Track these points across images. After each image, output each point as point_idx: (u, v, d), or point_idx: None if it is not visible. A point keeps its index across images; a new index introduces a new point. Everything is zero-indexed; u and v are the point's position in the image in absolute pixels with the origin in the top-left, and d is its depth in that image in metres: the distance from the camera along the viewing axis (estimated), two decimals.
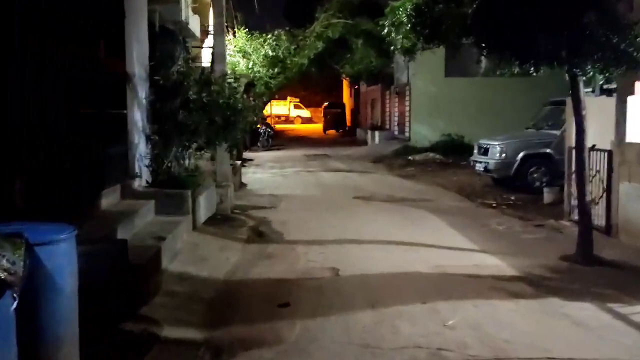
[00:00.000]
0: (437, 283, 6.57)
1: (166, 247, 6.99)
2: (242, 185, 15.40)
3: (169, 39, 10.87)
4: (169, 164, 9.51)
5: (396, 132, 28.80)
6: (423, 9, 7.56)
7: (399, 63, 26.43)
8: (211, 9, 11.61)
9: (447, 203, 12.77)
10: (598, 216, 9.67)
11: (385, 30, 8.22)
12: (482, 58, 23.96)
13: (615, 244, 8.44)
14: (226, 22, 21.33)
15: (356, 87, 41.83)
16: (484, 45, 7.62)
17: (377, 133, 29.87)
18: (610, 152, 9.35)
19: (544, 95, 22.67)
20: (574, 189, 10.63)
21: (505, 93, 23.37)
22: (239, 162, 15.88)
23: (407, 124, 26.05)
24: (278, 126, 45.77)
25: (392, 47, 8.35)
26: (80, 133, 7.23)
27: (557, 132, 14.34)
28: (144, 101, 9.61)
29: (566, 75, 8.64)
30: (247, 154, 23.86)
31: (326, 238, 8.95)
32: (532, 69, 7.94)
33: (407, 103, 25.90)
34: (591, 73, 7.57)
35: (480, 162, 15.07)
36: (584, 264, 7.53)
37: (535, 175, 14.33)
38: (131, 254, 6.15)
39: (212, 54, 11.23)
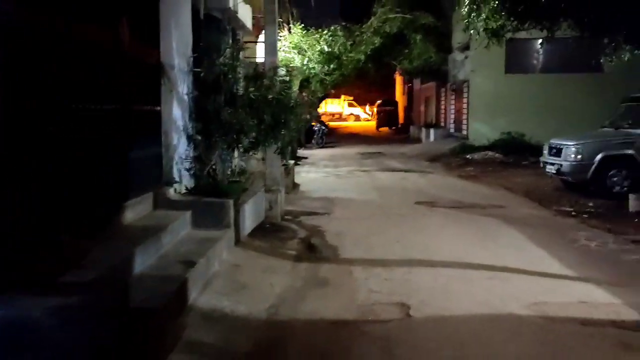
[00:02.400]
0: (542, 336, 4.65)
1: (196, 275, 5.30)
2: (295, 186, 13.71)
3: (215, 28, 9.19)
4: (213, 168, 7.85)
5: (452, 130, 26.66)
6: None
7: (455, 60, 24.36)
8: None
9: (520, 210, 10.75)
10: None
11: (466, 10, 6.28)
12: (539, 52, 21.67)
13: None
14: (281, 18, 19.78)
15: (409, 84, 39.73)
16: (592, 25, 5.68)
17: (432, 131, 27.79)
18: None
19: (611, 93, 20.38)
20: None
21: (569, 90, 21.23)
22: (292, 162, 14.23)
23: (464, 121, 23.91)
24: (332, 124, 44.02)
25: (471, 31, 6.41)
26: (96, 133, 5.62)
27: None
28: (185, 97, 7.97)
29: None
30: (301, 152, 22.27)
31: (389, 257, 7.14)
32: None
33: (464, 100, 23.75)
34: None
35: (552, 164, 12.93)
36: None
37: (615, 179, 12.14)
38: (145, 291, 4.51)
39: (264, 44, 9.50)
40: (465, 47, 22.69)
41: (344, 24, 20.73)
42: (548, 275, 6.38)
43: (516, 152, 19.97)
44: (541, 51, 21.93)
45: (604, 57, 6.46)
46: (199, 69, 7.83)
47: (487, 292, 5.71)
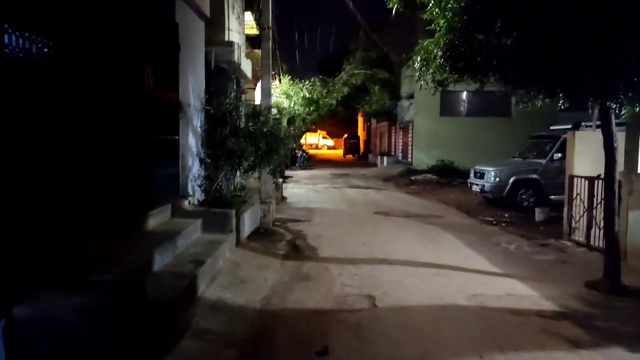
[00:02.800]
0: (482, 323, 4.33)
1: (205, 272, 4.88)
2: (283, 198, 13.30)
3: (222, 76, 8.83)
4: (219, 185, 7.43)
5: (400, 158, 26.47)
6: (457, 44, 5.44)
7: (403, 105, 24.26)
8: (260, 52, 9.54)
9: (454, 219, 10.49)
10: (600, 240, 7.44)
11: (417, 65, 6.02)
12: (464, 101, 21.76)
13: (628, 269, 6.12)
14: (274, 71, 19.52)
15: (368, 123, 39.66)
16: (514, 80, 5.46)
17: (385, 158, 27.56)
18: (619, 182, 7.06)
19: (516, 132, 20.51)
20: (574, 212, 8.38)
21: (485, 129, 21.32)
22: (281, 180, 13.83)
23: (409, 151, 23.74)
24: (311, 151, 43.65)
25: (420, 82, 6.14)
26: (126, 158, 5.20)
27: (543, 161, 12.07)
28: (198, 129, 7.57)
29: (590, 108, 6.50)
30: (288, 172, 21.86)
31: (357, 256, 6.78)
32: (561, 102, 5.78)
33: (410, 135, 23.61)
34: (623, 108, 5.38)
35: (477, 184, 12.76)
36: (614, 294, 5.30)
37: (524, 196, 12.00)
38: (163, 286, 4.09)
39: (260, 89, 9.15)
40: (410, 96, 22.64)
41: (321, 76, 20.52)
42: (480, 272, 6.08)
43: (448, 175, 19.86)
44: (466, 100, 22.16)
45: (521, 103, 6.19)
46: (209, 107, 7.46)
47: (435, 285, 5.38)
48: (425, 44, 6.14)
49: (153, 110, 5.64)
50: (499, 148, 19.67)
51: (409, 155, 23.69)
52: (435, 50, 5.71)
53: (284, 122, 16.90)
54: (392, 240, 7.90)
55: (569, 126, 12.88)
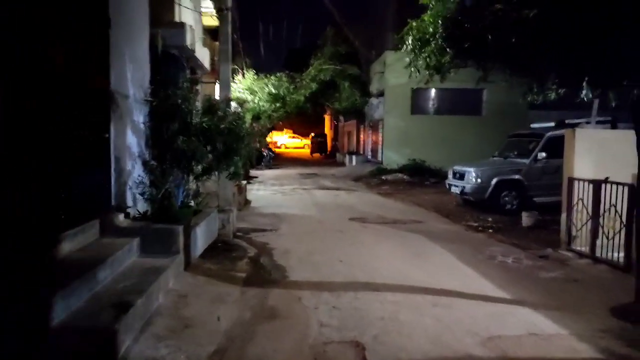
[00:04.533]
0: None
1: (131, 321, 3.47)
2: (247, 202, 11.89)
3: (173, 64, 7.38)
4: (168, 192, 6.00)
5: (370, 157, 25.40)
6: (459, 19, 4.24)
7: (372, 103, 23.19)
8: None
9: (436, 225, 9.36)
10: (611, 251, 6.44)
11: (409, 47, 4.77)
12: (435, 99, 20.90)
13: None
14: (237, 65, 18.03)
15: (336, 122, 38.51)
16: (533, 66, 4.31)
17: (354, 157, 26.40)
18: (632, 186, 6.05)
19: (488, 131, 19.79)
20: (574, 219, 7.37)
21: (457, 128, 20.53)
22: (244, 182, 12.40)
23: (379, 150, 22.67)
24: (277, 150, 42.16)
25: (410, 69, 4.90)
26: (19, 160, 3.74)
27: (526, 161, 11.11)
28: (141, 125, 6.13)
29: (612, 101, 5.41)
30: (253, 172, 20.40)
31: (335, 279, 5.49)
32: (584, 92, 4.66)
33: (380, 134, 22.55)
34: None
35: (457, 186, 11.72)
36: None
37: (507, 198, 11.03)
38: (59, 354, 2.69)
39: (218, 80, 7.73)
40: (380, 94, 21.58)
41: (287, 71, 19.16)
42: (486, 298, 4.90)
43: (419, 174, 18.92)
44: (437, 98, 21.33)
45: (530, 95, 5.05)
46: (150, 99, 6.01)
47: (437, 322, 4.16)
48: (418, 21, 4.92)
49: (64, 99, 4.19)
50: (471, 147, 18.90)
51: (379, 154, 22.64)
52: (431, 28, 4.50)
53: (248, 118, 15.51)
54: (373, 255, 6.66)
55: (552, 124, 12.05)
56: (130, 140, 5.93)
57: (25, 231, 3.82)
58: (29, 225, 3.89)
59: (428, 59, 4.70)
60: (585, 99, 4.62)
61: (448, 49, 4.39)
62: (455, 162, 13.01)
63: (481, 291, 5.13)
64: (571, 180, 7.27)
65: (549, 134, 11.14)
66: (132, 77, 5.94)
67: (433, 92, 21.39)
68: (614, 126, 10.26)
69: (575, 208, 7.16)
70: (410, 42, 4.79)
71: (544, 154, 10.92)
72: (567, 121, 11.28)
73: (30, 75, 3.80)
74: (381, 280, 5.44)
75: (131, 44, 5.93)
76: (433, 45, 4.52)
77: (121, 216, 5.36)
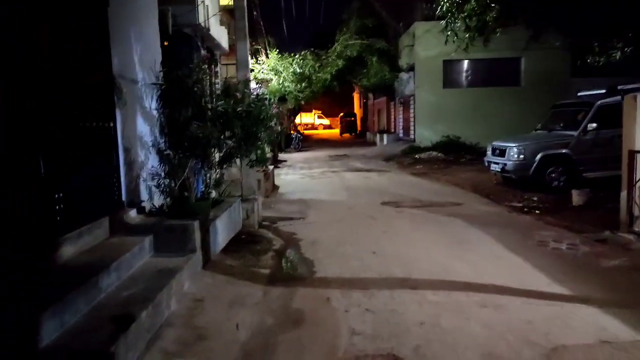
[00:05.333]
0: None
1: (133, 337, 3.04)
2: (275, 188, 11.46)
3: (186, 45, 6.88)
4: (188, 183, 5.56)
5: (401, 135, 24.53)
6: None
7: (402, 78, 22.24)
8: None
9: (476, 207, 8.66)
10: None
11: (446, 5, 4.07)
12: (468, 70, 19.75)
13: None
14: (260, 45, 17.45)
15: (365, 100, 37.52)
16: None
17: (385, 136, 25.57)
18: None
19: (526, 102, 18.62)
20: (636, 198, 6.56)
21: (493, 100, 19.45)
22: (272, 167, 11.95)
23: (411, 127, 21.79)
24: (306, 132, 41.61)
25: (447, 33, 4.21)
26: (21, 156, 3.33)
27: (574, 133, 10.15)
28: (154, 112, 5.67)
29: None
30: (281, 155, 19.98)
31: (368, 275, 4.95)
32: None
33: (411, 110, 21.64)
34: None
35: (497, 163, 10.88)
36: None
37: (553, 175, 10.16)
38: None
39: (236, 59, 7.19)
40: (411, 68, 20.61)
41: (312, 49, 18.43)
42: (542, 295, 4.27)
43: (454, 152, 18.07)
44: (471, 70, 20.21)
45: (592, 57, 4.28)
46: (163, 83, 5.53)
47: (487, 330, 3.57)
48: None
49: (62, 89, 3.74)
50: (510, 120, 17.84)
51: (411, 132, 21.78)
52: None
53: (274, 99, 14.98)
54: (409, 245, 6.08)
55: (602, 91, 10.97)
56: (141, 128, 5.50)
57: (24, 235, 3.44)
58: (29, 228, 3.51)
59: (468, 20, 4.02)
60: None
61: (493, 4, 3.69)
62: (493, 137, 12.15)
63: (535, 286, 4.49)
64: (632, 153, 6.42)
65: (600, 102, 10.12)
66: (140, 60, 5.48)
67: (466, 63, 20.29)
68: None
69: (638, 185, 6.34)
70: (447, 0, 4.10)
71: (594, 125, 9.95)
72: (619, 87, 10.21)
73: (24, 68, 3.37)
74: (419, 275, 4.86)
75: (137, 24, 5.45)
76: (474, 1, 3.83)
77: (133, 212, 4.97)
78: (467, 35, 4.21)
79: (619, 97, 9.84)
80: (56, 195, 3.69)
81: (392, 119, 27.15)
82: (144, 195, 5.45)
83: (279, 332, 3.64)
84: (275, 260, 5.57)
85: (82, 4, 4.15)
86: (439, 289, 4.42)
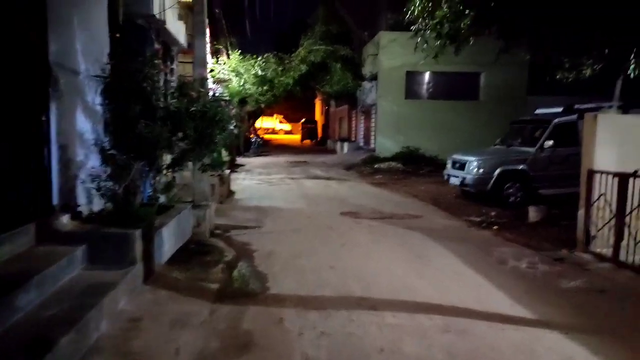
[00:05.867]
0: None
1: None
2: (231, 194, 10.99)
3: (140, 37, 6.39)
4: (129, 187, 5.07)
5: (362, 144, 24.50)
6: None
7: (365, 87, 22.22)
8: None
9: (436, 221, 8.55)
10: (636, 255, 5.67)
11: (417, 10, 3.86)
12: (430, 82, 19.93)
13: None
14: (221, 45, 16.95)
15: (327, 107, 37.46)
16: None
17: (345, 144, 25.50)
18: None
19: (485, 116, 18.99)
20: (593, 217, 6.59)
21: (453, 113, 19.66)
22: (228, 172, 11.48)
23: (372, 137, 21.78)
24: (267, 136, 41.07)
25: (417, 39, 4.01)
26: None
27: (531, 150, 10.29)
28: (97, 107, 5.17)
29: None
30: (240, 160, 19.43)
31: (324, 292, 4.63)
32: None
33: (372, 120, 21.64)
34: None
35: (456, 177, 10.89)
36: None
37: (510, 190, 10.24)
38: None
39: (193, 57, 6.75)
40: (373, 77, 20.62)
41: (275, 52, 18.07)
42: (505, 319, 4.08)
43: (414, 163, 18.11)
44: (432, 82, 20.42)
45: (561, 73, 4.19)
46: (108, 76, 5.04)
47: (450, 358, 3.33)
48: None
49: None
50: (468, 133, 18.10)
51: (372, 142, 21.78)
52: None
53: (234, 101, 14.52)
54: (369, 259, 5.82)
55: (559, 109, 11.22)
56: (81, 124, 4.99)
57: None
58: None
59: (439, 27, 3.82)
60: (632, 74, 3.77)
61: (467, 11, 3.51)
62: (452, 150, 12.21)
63: (498, 308, 4.32)
64: (591, 172, 6.45)
65: (557, 120, 10.32)
66: (84, 50, 4.97)
67: (428, 75, 20.49)
68: (625, 112, 9.48)
69: (595, 205, 6.37)
70: (417, 5, 3.89)
71: (550, 142, 10.11)
72: (576, 106, 10.47)
73: None
74: (379, 293, 4.60)
75: (82, 8, 4.95)
76: (446, 8, 3.63)
77: (66, 217, 4.45)
78: (436, 43, 4.00)
79: (575, 116, 10.15)
80: None
81: (353, 128, 27.16)
82: (82, 199, 4.92)
83: (223, 358, 3.26)
84: (226, 273, 5.17)
85: None
86: (399, 310, 4.16)
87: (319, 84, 19.78)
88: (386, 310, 4.14)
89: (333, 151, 27.65)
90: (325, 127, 39.16)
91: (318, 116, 44.51)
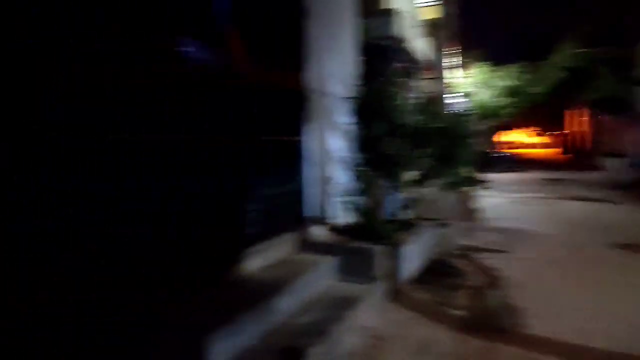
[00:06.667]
0: None
1: None
2: (475, 212, 10.38)
3: (378, 57, 6.61)
4: (373, 203, 5.23)
5: (638, 160, 20.22)
6: None
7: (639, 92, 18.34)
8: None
9: None
10: None
11: None
12: None
13: None
14: (466, 58, 16.41)
15: (589, 117, 32.45)
16: None
17: (616, 159, 21.49)
18: None
19: None
20: None
21: None
22: (472, 189, 10.89)
23: None
24: (516, 150, 38.02)
25: None
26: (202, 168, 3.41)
27: None
28: (344, 126, 5.53)
29: None
30: (485, 176, 18.37)
31: (591, 344, 3.77)
32: None
33: None
34: None
35: None
36: None
37: None
38: None
39: (435, 74, 6.63)
40: None
41: (527, 61, 16.49)
42: None
43: None
44: None
45: None
46: (356, 97, 5.31)
47: None
48: None
49: (248, 99, 3.76)
50: None
51: None
52: None
53: (480, 116, 13.83)
54: None
55: None
56: (330, 143, 5.36)
57: (204, 254, 3.51)
58: (209, 247, 3.57)
59: None
60: None
61: None
62: None
63: None
64: None
65: None
66: (334, 73, 5.36)
67: None
68: None
69: None
70: None
71: None
72: None
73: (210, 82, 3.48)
74: None
75: (333, 36, 5.36)
76: None
77: (319, 229, 4.80)
78: None
79: None
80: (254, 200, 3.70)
81: (627, 140, 22.69)
82: (329, 213, 5.27)
83: None
84: (472, 300, 4.75)
85: (280, 14, 4.17)
86: None
87: (579, 91, 17.18)
88: None
89: (600, 168, 23.63)
90: (591, 138, 34.00)
91: (577, 127, 39.12)
